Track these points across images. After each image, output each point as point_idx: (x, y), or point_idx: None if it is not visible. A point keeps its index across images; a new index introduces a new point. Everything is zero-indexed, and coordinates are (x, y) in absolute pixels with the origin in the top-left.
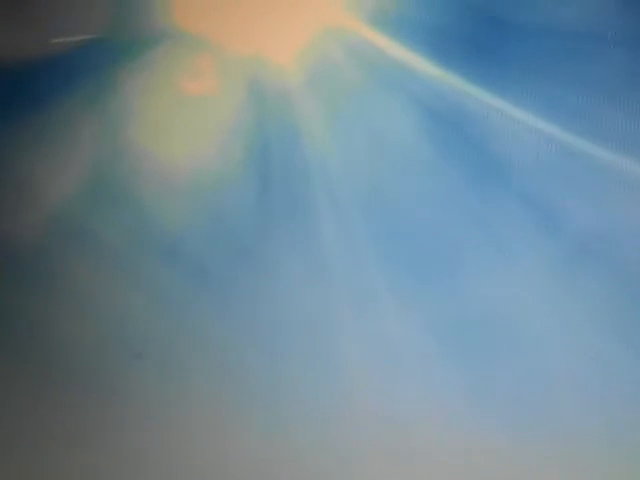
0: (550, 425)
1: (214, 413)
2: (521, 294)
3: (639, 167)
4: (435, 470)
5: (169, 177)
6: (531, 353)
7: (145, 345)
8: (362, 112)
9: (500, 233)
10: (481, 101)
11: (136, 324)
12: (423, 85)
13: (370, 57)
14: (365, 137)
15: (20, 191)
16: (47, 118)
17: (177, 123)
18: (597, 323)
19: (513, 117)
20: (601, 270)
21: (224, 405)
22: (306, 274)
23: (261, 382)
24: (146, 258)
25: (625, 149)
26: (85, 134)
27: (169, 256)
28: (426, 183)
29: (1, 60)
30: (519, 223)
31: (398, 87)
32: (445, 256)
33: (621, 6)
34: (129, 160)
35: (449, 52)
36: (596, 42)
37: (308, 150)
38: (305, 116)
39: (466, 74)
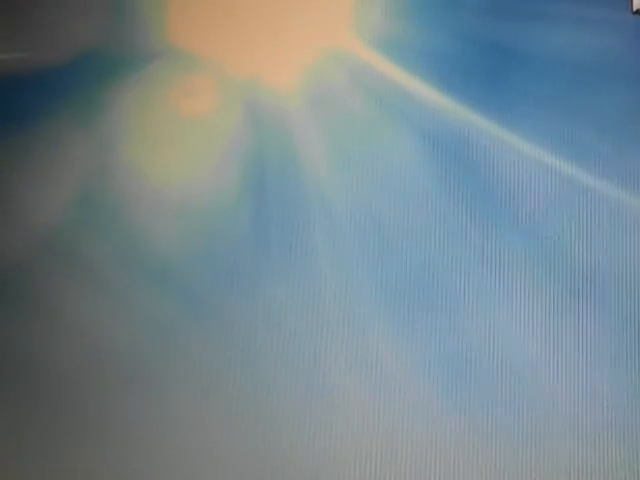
0: (546, 460)
1: (203, 439)
2: (519, 328)
3: None
4: None
5: (161, 199)
6: (528, 388)
7: (134, 369)
8: (362, 139)
9: (500, 266)
10: (484, 131)
11: (125, 348)
12: (426, 113)
13: (373, 83)
14: (364, 165)
15: (6, 210)
16: (35, 135)
17: (170, 144)
18: (597, 360)
19: (516, 149)
20: (602, 307)
21: (213, 431)
22: (300, 302)
23: (251, 409)
24: (136, 281)
25: (631, 185)
26: (74, 152)
27: (160, 280)
28: (425, 213)
29: None
30: (520, 257)
31: (400, 114)
32: (442, 287)
33: (632, 40)
34: (120, 181)
35: (453, 80)
36: (603, 76)
37: (305, 176)
38: (303, 141)
39: (470, 103)
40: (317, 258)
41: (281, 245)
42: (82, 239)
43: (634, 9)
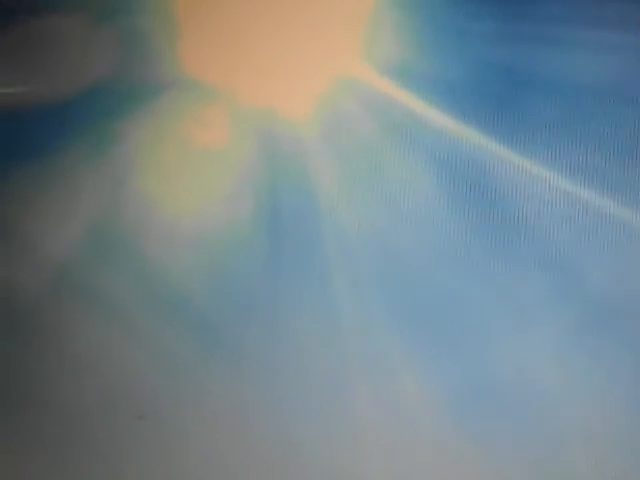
0: None
1: (221, 477)
2: (540, 360)
3: None
4: None
5: (175, 232)
6: (550, 420)
7: (148, 406)
8: (376, 167)
9: (519, 296)
10: (501, 159)
11: (139, 384)
12: (439, 140)
13: (387, 111)
14: (379, 193)
15: (20, 244)
16: (48, 168)
17: (184, 176)
18: (619, 390)
19: (534, 175)
20: (623, 335)
21: (232, 469)
22: (318, 336)
23: (271, 446)
24: (151, 316)
25: None
26: (88, 185)
27: (175, 314)
28: (442, 243)
29: (1, 107)
30: (539, 286)
31: (414, 141)
32: (461, 319)
33: None
34: (133, 214)
35: (468, 107)
36: (615, 99)
37: (321, 207)
38: (318, 171)
39: (483, 129)
40: (333, 288)
41: (296, 275)
42: (95, 273)
43: None
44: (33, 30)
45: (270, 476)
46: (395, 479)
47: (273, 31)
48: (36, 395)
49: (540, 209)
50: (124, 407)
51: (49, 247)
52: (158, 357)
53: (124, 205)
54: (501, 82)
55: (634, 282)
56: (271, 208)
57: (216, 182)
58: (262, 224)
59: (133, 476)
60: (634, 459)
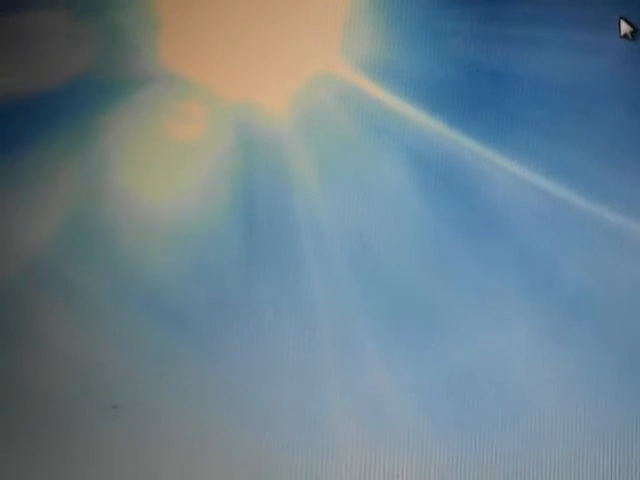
0: None
1: (192, 467)
2: (512, 354)
3: (637, 227)
4: None
5: (151, 225)
6: (522, 414)
7: (122, 396)
8: (353, 161)
9: (491, 291)
10: (475, 154)
11: (113, 375)
12: (415, 135)
13: (362, 106)
14: (355, 187)
15: None
16: (24, 162)
17: (161, 169)
18: (590, 385)
19: (507, 171)
20: (595, 332)
21: (202, 458)
22: (291, 326)
23: (242, 436)
24: (125, 307)
25: (623, 208)
26: (64, 179)
27: (149, 306)
28: (416, 236)
29: None
30: (511, 281)
31: (390, 137)
32: (434, 311)
33: (620, 64)
34: (110, 207)
35: (443, 103)
36: (592, 99)
37: (296, 199)
38: (294, 164)
39: (460, 126)
40: (308, 281)
41: (272, 268)
42: (71, 266)
43: (622, 33)
44: (12, 25)
45: (239, 465)
46: (365, 471)
47: (252, 26)
48: (11, 386)
49: (517, 207)
50: (98, 396)
51: (25, 240)
52: (133, 348)
53: (101, 198)
54: (479, 80)
55: (609, 279)
56: (248, 201)
57: (193, 176)
58: (239, 217)
59: (105, 462)
60: (608, 453)
